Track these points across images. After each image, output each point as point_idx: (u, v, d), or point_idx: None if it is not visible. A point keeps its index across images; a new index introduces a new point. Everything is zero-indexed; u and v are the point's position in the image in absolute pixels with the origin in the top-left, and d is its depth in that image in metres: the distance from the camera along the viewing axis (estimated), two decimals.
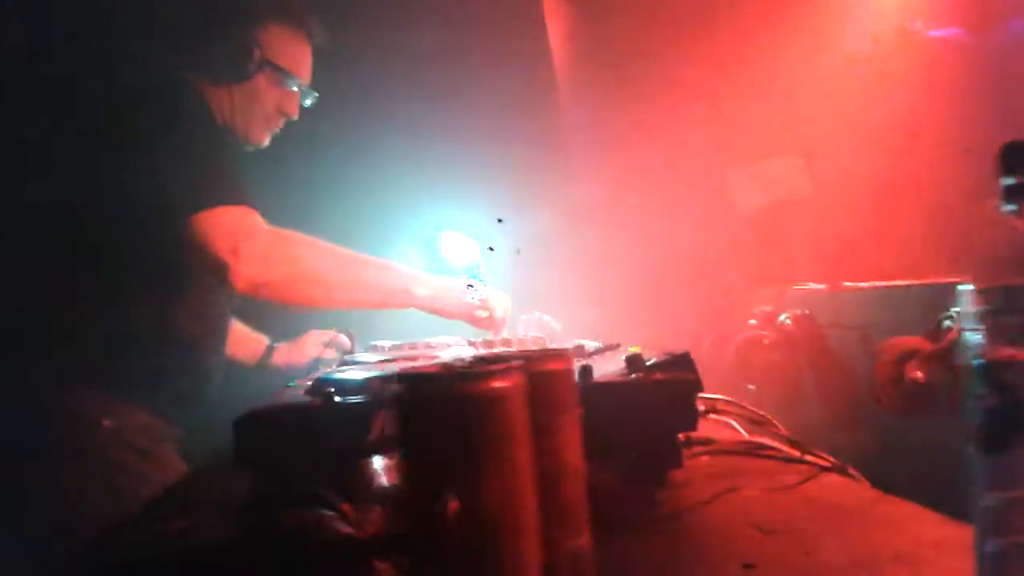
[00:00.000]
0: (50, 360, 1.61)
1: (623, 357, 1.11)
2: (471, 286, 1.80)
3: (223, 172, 1.68)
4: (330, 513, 0.61)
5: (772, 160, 2.88)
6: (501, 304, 1.87)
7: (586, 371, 1.05)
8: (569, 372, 0.63)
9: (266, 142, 1.92)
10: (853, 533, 0.78)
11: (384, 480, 0.81)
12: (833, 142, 2.51)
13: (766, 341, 2.18)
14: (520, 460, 0.49)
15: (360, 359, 1.55)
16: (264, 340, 2.14)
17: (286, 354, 2.13)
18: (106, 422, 1.63)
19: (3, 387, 1.60)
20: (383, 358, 1.53)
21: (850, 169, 2.45)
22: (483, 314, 1.83)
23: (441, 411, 0.47)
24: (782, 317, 2.18)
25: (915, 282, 1.87)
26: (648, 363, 1.09)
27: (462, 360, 0.53)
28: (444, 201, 2.81)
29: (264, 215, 1.69)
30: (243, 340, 2.10)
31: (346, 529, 0.59)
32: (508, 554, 0.48)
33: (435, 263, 2.54)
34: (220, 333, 1.86)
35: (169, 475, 1.67)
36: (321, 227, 2.56)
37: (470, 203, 2.81)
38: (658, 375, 1.06)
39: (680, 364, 1.08)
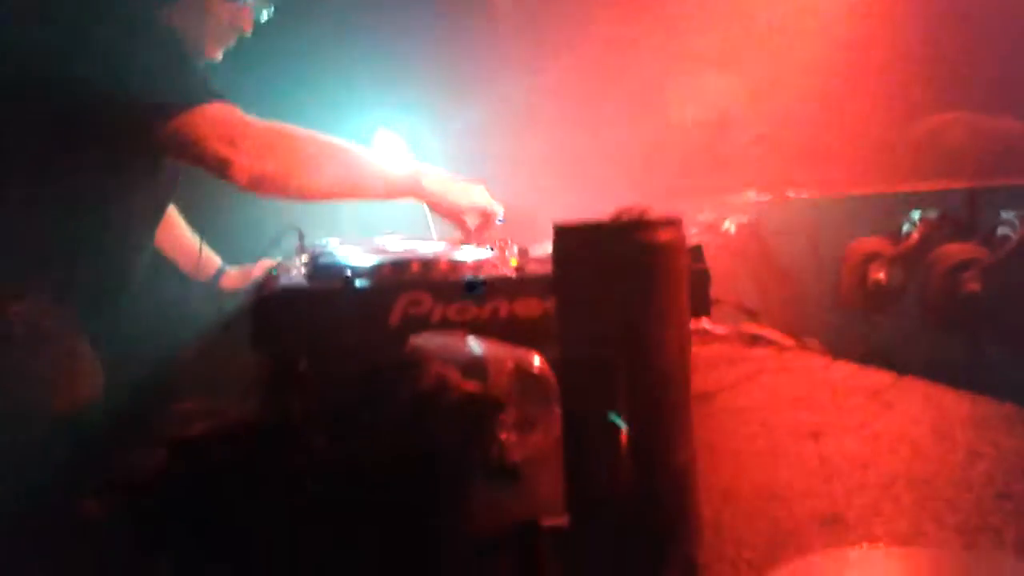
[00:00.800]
0: None
1: None
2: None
3: (196, 70, 1.63)
4: (445, 373, 0.60)
5: (718, 67, 2.89)
6: (498, 213, 1.80)
7: None
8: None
9: (219, 57, 1.83)
10: (892, 410, 0.82)
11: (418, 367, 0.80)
12: (783, 50, 2.54)
13: (712, 247, 2.22)
14: (687, 314, 0.49)
15: (334, 252, 1.51)
16: (217, 261, 2.10)
17: (234, 279, 2.08)
18: (14, 308, 1.59)
19: None
20: (359, 251, 1.49)
21: (798, 78, 2.49)
22: (474, 220, 1.79)
23: (628, 262, 0.47)
24: (725, 225, 2.22)
25: (865, 192, 1.93)
26: None
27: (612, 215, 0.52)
28: (376, 101, 2.74)
29: None
30: (197, 257, 2.07)
31: (470, 386, 0.58)
32: (682, 409, 0.48)
33: None
34: (141, 244, 1.81)
35: (86, 366, 1.60)
36: None
37: (404, 102, 2.74)
38: None
39: (691, 256, 1.09)
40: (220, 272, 2.10)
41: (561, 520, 0.51)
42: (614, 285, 0.48)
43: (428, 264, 1.08)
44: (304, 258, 1.50)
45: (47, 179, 1.60)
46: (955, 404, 0.83)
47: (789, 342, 1.18)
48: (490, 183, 2.81)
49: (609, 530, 0.48)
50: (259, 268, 2.06)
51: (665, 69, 2.89)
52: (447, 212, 1.75)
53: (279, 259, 1.95)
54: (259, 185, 1.59)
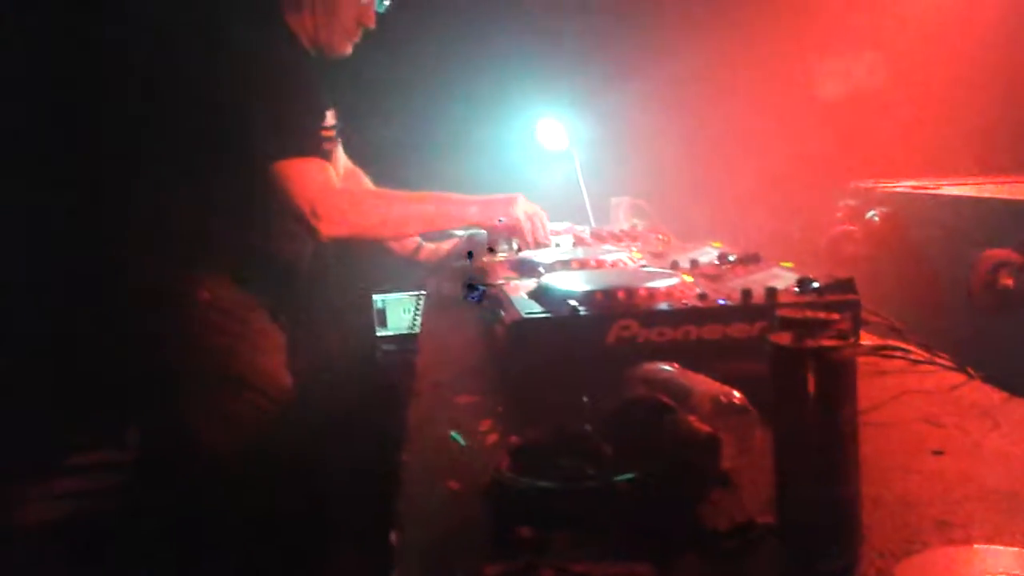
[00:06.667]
0: (150, 250, 2.05)
1: (795, 279, 1.40)
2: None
3: (316, 121, 2.01)
4: (671, 405, 0.91)
5: (857, 51, 3.03)
6: (538, 217, 2.18)
7: (771, 293, 1.34)
8: None
9: (349, 52, 2.20)
10: (1003, 428, 1.09)
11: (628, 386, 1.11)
12: (930, 34, 2.67)
13: (857, 235, 2.43)
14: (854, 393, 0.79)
15: (534, 259, 1.84)
16: (417, 239, 2.47)
17: (430, 253, 2.46)
18: (203, 294, 2.02)
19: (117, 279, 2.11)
20: (557, 258, 1.82)
21: (946, 64, 2.61)
22: (527, 228, 2.16)
23: (821, 375, 0.77)
24: (870, 213, 2.43)
25: (1008, 196, 2.10)
26: (815, 286, 1.37)
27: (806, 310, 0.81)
28: (532, 91, 3.05)
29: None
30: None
31: (697, 424, 0.89)
32: (852, 458, 0.79)
33: (532, 149, 2.82)
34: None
35: (267, 340, 2.12)
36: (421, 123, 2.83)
37: (556, 92, 3.04)
38: (829, 296, 1.34)
39: (845, 287, 1.36)
40: (419, 247, 2.49)
41: (769, 519, 0.83)
42: (809, 385, 0.78)
43: (631, 292, 1.39)
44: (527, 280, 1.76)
45: (188, 178, 2.04)
46: None
47: (922, 355, 1.44)
48: (639, 169, 3.10)
49: (800, 530, 0.80)
50: (448, 244, 2.44)
51: (806, 55, 3.05)
52: (504, 229, 2.14)
53: (465, 234, 2.35)
54: (335, 241, 2.02)
